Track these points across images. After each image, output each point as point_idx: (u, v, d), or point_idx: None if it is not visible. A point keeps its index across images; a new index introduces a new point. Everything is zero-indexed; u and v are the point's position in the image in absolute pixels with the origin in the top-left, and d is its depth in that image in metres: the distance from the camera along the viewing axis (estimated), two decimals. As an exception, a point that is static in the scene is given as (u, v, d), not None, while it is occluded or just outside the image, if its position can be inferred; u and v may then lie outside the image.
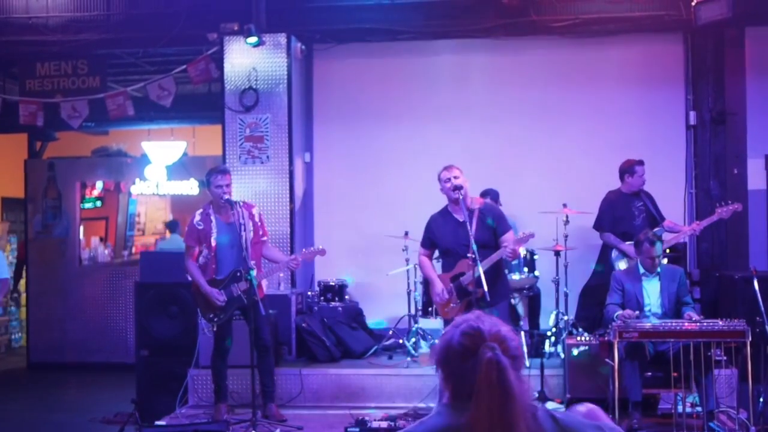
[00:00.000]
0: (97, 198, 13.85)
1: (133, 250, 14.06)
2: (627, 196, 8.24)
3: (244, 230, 7.02)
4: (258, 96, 9.00)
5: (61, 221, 12.34)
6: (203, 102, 10.97)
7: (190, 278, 7.33)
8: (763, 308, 6.39)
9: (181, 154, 13.13)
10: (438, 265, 7.22)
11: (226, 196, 7.12)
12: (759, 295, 6.50)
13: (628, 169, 8.20)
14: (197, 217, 7.26)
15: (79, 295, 12.02)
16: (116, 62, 10.35)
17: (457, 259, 6.75)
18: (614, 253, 8.18)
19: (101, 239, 13.62)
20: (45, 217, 12.38)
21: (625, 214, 8.17)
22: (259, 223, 7.33)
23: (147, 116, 11.04)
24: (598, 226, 8.33)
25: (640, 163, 8.20)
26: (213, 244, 7.17)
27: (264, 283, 7.41)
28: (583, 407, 2.52)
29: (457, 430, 2.16)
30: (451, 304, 6.77)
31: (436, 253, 7.19)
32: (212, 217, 7.21)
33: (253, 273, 6.89)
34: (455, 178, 6.78)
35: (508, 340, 2.22)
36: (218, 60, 9.10)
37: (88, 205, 13.50)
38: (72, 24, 9.38)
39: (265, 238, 7.41)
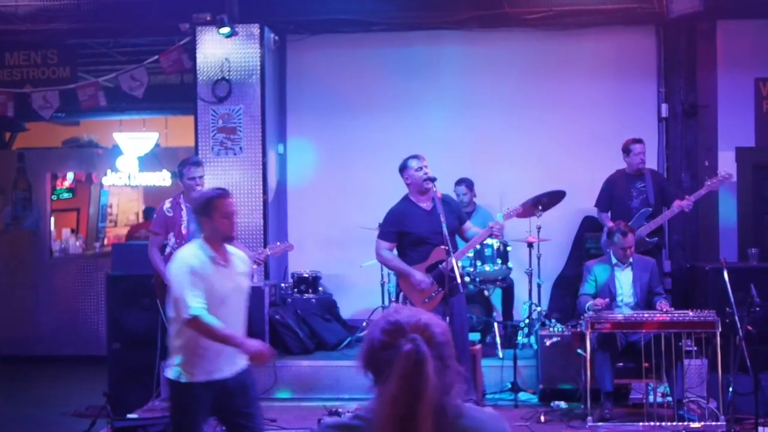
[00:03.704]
0: (68, 189, 13.74)
1: (105, 241, 13.97)
2: (629, 176, 8.20)
3: None
4: (231, 87, 8.94)
5: (32, 213, 12.22)
6: (175, 93, 10.88)
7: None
8: (732, 299, 6.45)
9: (153, 145, 13.04)
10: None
11: (198, 188, 7.09)
12: (729, 286, 6.55)
13: (624, 148, 8.17)
14: (167, 204, 7.23)
15: (49, 288, 11.91)
16: (87, 52, 10.25)
17: (431, 248, 6.69)
18: (603, 237, 8.20)
19: (72, 231, 13.51)
20: (15, 209, 12.24)
21: (622, 194, 8.16)
22: None
23: (119, 107, 10.93)
24: (597, 204, 8.37)
25: (636, 141, 8.15)
26: (183, 232, 7.12)
27: None
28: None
29: (367, 422, 2.12)
30: (432, 294, 6.72)
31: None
32: (183, 206, 7.17)
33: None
34: (427, 167, 6.76)
35: (432, 326, 2.18)
36: (191, 50, 9.02)
37: (58, 197, 13.39)
38: (42, 13, 9.26)
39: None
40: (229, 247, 4.85)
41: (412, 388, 2.06)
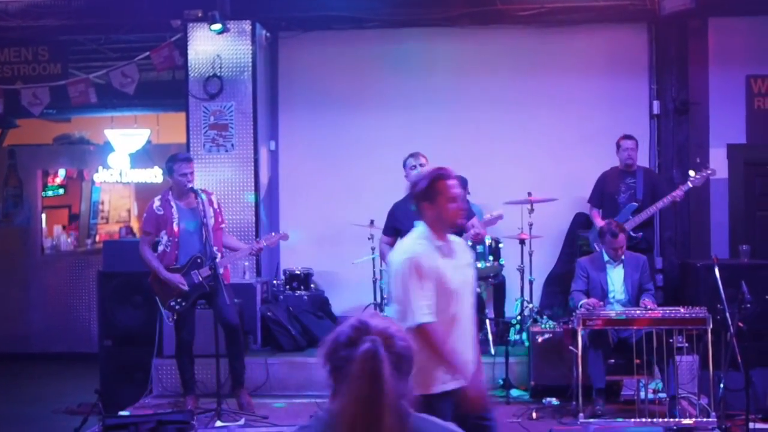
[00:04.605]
0: (60, 186, 13.71)
1: (97, 238, 13.93)
2: (621, 172, 8.26)
3: (206, 217, 7.02)
4: (222, 84, 8.92)
5: (23, 210, 12.18)
6: (167, 89, 10.84)
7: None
8: (723, 296, 6.46)
9: (145, 142, 13.02)
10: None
11: (190, 185, 7.08)
12: (720, 282, 6.56)
13: (616, 143, 8.26)
14: (157, 203, 7.19)
15: (41, 285, 11.89)
16: (78, 48, 10.20)
17: None
18: (592, 233, 8.22)
19: (64, 228, 13.48)
20: (6, 206, 12.21)
21: (612, 189, 8.23)
22: (218, 210, 7.33)
23: (110, 103, 10.88)
24: (589, 200, 8.43)
25: (626, 137, 8.22)
26: (175, 229, 7.09)
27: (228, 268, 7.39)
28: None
29: (328, 424, 2.16)
30: None
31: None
32: (173, 203, 7.14)
33: (218, 258, 6.94)
34: (422, 165, 6.81)
35: (396, 338, 2.23)
36: (182, 47, 9.01)
37: (50, 193, 13.36)
38: (32, 9, 9.21)
39: (223, 225, 7.41)
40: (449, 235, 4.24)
41: (370, 387, 2.11)
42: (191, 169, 7.15)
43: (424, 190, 4.14)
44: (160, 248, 7.15)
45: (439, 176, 4.16)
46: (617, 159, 8.33)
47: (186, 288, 7.02)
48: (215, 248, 6.97)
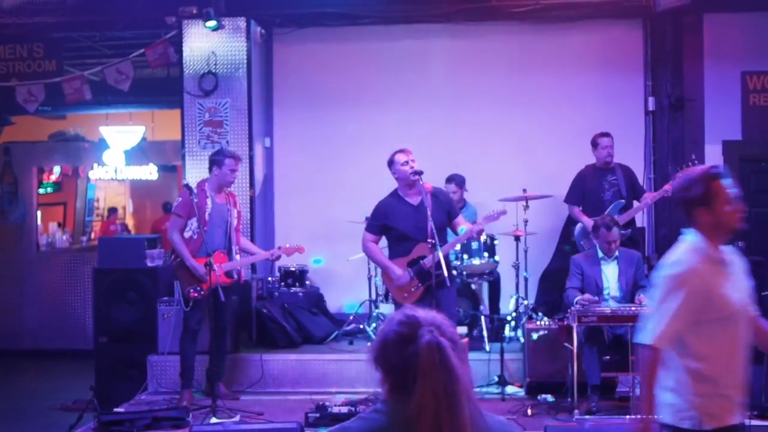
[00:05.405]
0: (55, 183, 13.70)
1: (92, 235, 13.93)
2: (600, 170, 8.26)
3: (231, 216, 7.29)
4: (217, 80, 8.92)
5: (18, 207, 12.17)
6: (162, 86, 10.83)
7: (170, 256, 7.33)
8: (718, 292, 6.45)
9: (140, 139, 13.01)
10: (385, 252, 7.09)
11: (233, 180, 7.39)
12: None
13: (592, 142, 8.26)
14: (194, 190, 7.30)
15: (36, 282, 11.87)
16: (73, 45, 10.20)
17: (413, 244, 6.66)
18: (576, 230, 8.23)
19: (59, 225, 13.46)
20: (1, 203, 12.20)
21: (594, 187, 8.22)
22: (239, 213, 7.58)
23: (105, 100, 10.88)
24: (567, 199, 8.40)
25: (604, 135, 8.20)
26: (207, 219, 7.19)
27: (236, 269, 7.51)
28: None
29: (403, 421, 2.11)
30: (412, 289, 6.71)
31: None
32: (209, 194, 7.26)
33: (237, 257, 7.28)
34: (413, 161, 6.73)
35: (444, 325, 2.22)
36: (177, 44, 9.01)
37: (45, 190, 13.35)
38: (28, 6, 9.20)
39: (240, 228, 7.55)
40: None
41: (445, 377, 2.09)
42: (238, 167, 7.38)
43: (702, 194, 3.58)
44: (187, 234, 7.22)
45: (714, 176, 3.61)
46: (593, 157, 8.32)
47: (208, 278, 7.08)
48: (236, 247, 7.28)
